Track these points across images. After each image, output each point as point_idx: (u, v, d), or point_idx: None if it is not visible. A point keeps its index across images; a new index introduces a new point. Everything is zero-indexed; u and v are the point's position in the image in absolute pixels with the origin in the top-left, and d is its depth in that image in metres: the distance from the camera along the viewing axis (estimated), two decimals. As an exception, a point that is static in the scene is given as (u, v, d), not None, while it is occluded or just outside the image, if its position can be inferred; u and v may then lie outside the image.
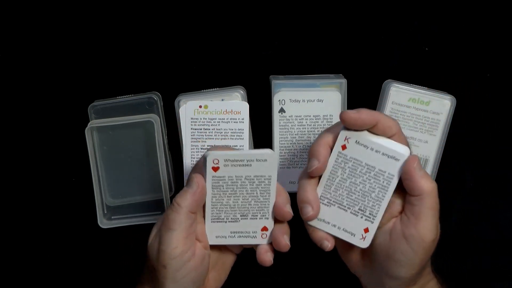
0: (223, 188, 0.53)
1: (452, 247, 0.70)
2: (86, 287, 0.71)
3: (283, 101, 0.66)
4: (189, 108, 0.66)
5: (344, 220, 0.54)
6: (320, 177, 0.54)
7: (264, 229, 0.55)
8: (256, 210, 0.54)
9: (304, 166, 0.67)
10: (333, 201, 0.54)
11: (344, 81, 0.66)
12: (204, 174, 0.53)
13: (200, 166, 0.54)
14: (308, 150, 0.54)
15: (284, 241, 0.54)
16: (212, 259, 0.57)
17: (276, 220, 0.55)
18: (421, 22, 0.68)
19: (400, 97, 0.66)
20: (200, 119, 0.66)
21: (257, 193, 0.54)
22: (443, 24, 0.68)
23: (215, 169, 0.53)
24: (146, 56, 0.68)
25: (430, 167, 0.67)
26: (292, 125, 0.66)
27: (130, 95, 0.67)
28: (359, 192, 0.53)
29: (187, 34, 0.68)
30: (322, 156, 0.53)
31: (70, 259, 0.70)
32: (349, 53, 0.68)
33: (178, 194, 0.52)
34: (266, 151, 0.53)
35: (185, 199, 0.52)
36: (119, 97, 0.67)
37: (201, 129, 0.66)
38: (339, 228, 0.54)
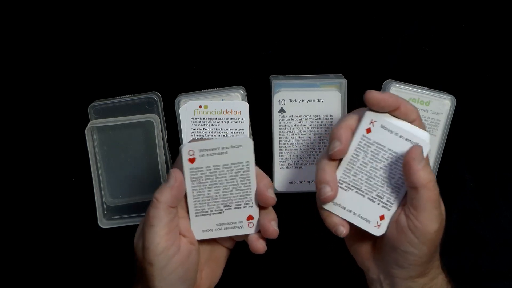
0: (203, 180, 0.53)
1: (452, 247, 0.70)
2: (86, 287, 0.71)
3: (283, 101, 0.66)
4: (189, 108, 0.66)
5: (361, 206, 0.53)
6: (339, 160, 0.54)
7: (250, 218, 0.54)
8: (239, 198, 0.54)
9: (305, 165, 0.67)
10: (352, 186, 0.53)
11: (344, 81, 0.66)
12: (181, 168, 0.53)
13: (179, 162, 0.54)
14: (329, 133, 0.54)
15: (272, 228, 0.53)
16: (204, 255, 0.56)
17: (261, 207, 0.54)
18: (421, 22, 0.68)
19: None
20: (200, 119, 0.66)
21: (237, 181, 0.53)
22: (443, 24, 0.68)
23: (192, 160, 0.52)
24: (146, 56, 0.68)
25: (430, 167, 0.67)
26: (292, 125, 0.66)
27: (130, 95, 0.67)
28: (379, 177, 0.53)
29: (187, 34, 0.68)
30: (344, 138, 0.52)
31: (70, 259, 0.70)
32: (349, 53, 0.68)
33: (156, 190, 0.52)
34: (241, 137, 0.53)
35: (163, 194, 0.51)
36: (119, 97, 0.67)
37: (201, 129, 0.66)
38: (354, 214, 0.53)
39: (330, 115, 0.66)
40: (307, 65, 0.68)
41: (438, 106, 0.66)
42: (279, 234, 0.54)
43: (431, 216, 0.51)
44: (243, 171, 0.53)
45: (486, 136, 0.69)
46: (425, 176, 0.50)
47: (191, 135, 0.66)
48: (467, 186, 0.70)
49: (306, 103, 0.66)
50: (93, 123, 0.66)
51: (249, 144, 0.52)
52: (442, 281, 0.55)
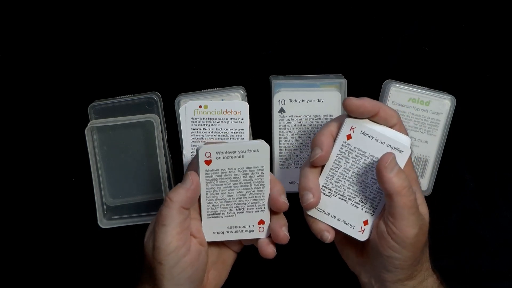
0: (217, 182, 0.53)
1: (452, 247, 0.70)
2: (86, 287, 0.71)
3: (283, 101, 0.66)
4: (189, 108, 0.66)
5: (344, 211, 0.54)
6: (322, 167, 0.54)
7: (261, 222, 0.55)
8: (252, 202, 0.54)
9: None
10: (334, 192, 0.54)
11: (344, 81, 0.66)
12: (197, 170, 0.53)
13: (195, 163, 0.54)
14: (311, 141, 0.54)
15: (283, 233, 0.54)
16: (212, 257, 0.57)
17: (273, 212, 0.55)
18: (421, 22, 0.68)
19: (400, 97, 0.66)
20: (200, 119, 0.66)
21: (251, 185, 0.54)
22: (443, 24, 0.68)
23: (208, 162, 0.53)
24: (146, 56, 0.68)
25: (430, 167, 0.67)
26: (292, 125, 0.66)
27: (130, 95, 0.67)
28: (361, 183, 0.53)
29: (187, 34, 0.68)
30: (325, 145, 0.53)
31: (70, 259, 0.70)
32: (349, 53, 0.68)
33: (171, 190, 0.53)
34: (258, 141, 0.53)
35: (178, 194, 0.52)
36: (119, 97, 0.67)
37: (201, 129, 0.66)
38: (338, 219, 0.54)
39: (330, 115, 0.66)
40: (307, 65, 0.68)
41: (438, 106, 0.66)
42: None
43: (408, 222, 0.51)
44: (258, 176, 0.53)
45: (486, 136, 0.69)
46: (399, 183, 0.50)
47: (191, 135, 0.66)
48: (467, 186, 0.70)
49: (306, 103, 0.66)
50: (93, 123, 0.66)
51: (266, 149, 0.53)
52: (433, 284, 0.55)
